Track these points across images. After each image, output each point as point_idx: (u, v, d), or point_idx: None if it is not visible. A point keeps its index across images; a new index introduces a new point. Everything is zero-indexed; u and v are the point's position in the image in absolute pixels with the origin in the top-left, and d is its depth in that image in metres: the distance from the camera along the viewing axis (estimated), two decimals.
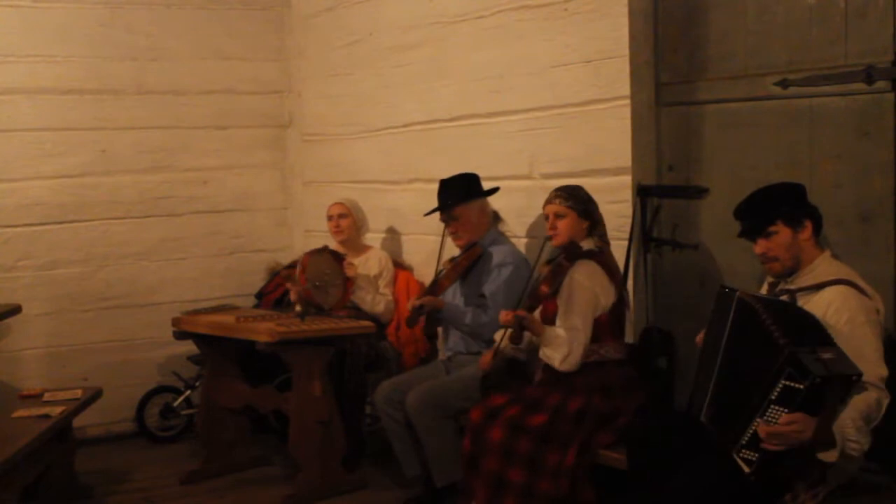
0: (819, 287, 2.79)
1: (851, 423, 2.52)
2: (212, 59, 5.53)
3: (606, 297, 3.41)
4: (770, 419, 2.53)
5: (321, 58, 5.51)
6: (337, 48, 5.36)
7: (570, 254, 3.42)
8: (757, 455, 2.58)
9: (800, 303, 2.81)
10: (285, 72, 5.77)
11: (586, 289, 3.38)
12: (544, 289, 3.35)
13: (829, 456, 2.53)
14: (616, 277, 3.47)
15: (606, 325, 3.42)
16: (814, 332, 2.63)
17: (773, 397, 2.54)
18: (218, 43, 5.54)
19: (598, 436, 3.23)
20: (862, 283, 2.78)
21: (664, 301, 3.80)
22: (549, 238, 3.53)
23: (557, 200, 3.52)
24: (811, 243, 2.87)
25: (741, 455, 2.62)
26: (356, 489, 4.26)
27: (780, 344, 2.53)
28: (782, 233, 2.85)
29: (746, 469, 2.60)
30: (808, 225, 2.86)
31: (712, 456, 2.73)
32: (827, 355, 2.51)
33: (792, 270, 2.88)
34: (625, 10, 3.67)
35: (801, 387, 2.48)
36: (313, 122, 5.66)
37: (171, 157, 5.45)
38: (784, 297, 2.87)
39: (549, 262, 3.48)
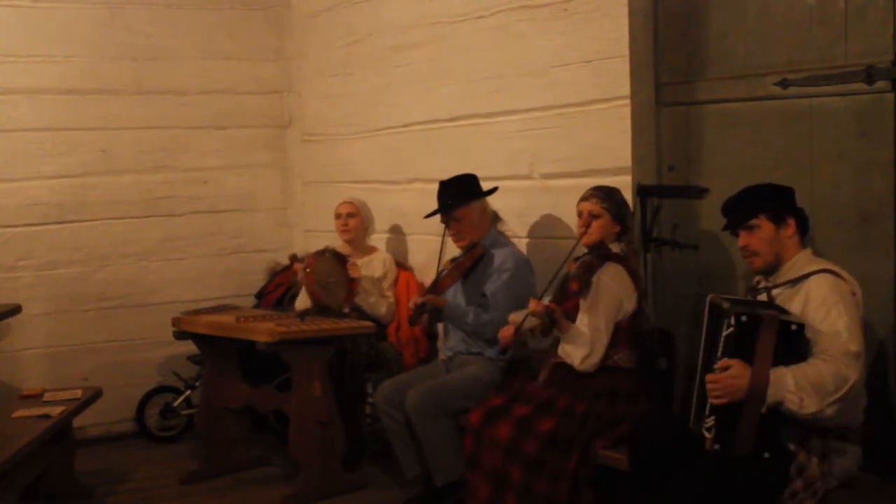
0: (797, 280, 2.80)
1: (793, 378, 2.53)
2: (212, 59, 5.53)
3: (629, 303, 3.39)
4: None
5: (321, 58, 5.51)
6: (337, 48, 5.36)
7: (601, 254, 3.40)
8: (713, 419, 2.60)
9: (779, 300, 2.83)
10: (285, 72, 5.77)
11: (613, 291, 3.36)
12: (574, 286, 3.31)
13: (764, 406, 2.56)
14: (640, 285, 3.45)
15: (625, 332, 3.39)
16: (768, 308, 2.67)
17: (718, 355, 2.60)
18: (218, 43, 5.54)
19: (598, 440, 3.22)
20: (837, 269, 2.79)
21: (664, 301, 3.80)
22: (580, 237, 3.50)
23: (594, 199, 3.48)
24: (794, 241, 2.88)
25: (704, 427, 2.64)
26: (356, 489, 4.26)
27: (724, 307, 2.60)
28: (764, 227, 2.87)
29: (708, 436, 2.62)
30: (792, 223, 2.87)
31: (710, 456, 2.74)
32: (767, 310, 2.57)
33: (773, 266, 2.89)
34: (625, 10, 3.67)
35: (732, 329, 2.53)
36: (313, 122, 5.66)
37: (172, 157, 5.45)
38: (763, 296, 2.88)
39: (576, 259, 3.47)
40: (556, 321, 3.31)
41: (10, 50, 5.01)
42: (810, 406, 2.53)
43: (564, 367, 3.39)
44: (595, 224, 3.47)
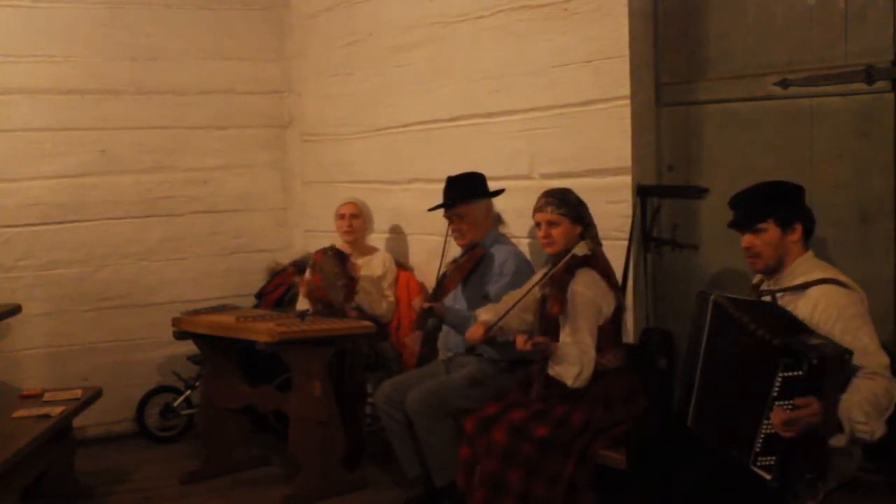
0: (803, 287, 2.78)
1: (857, 406, 2.52)
2: (212, 59, 5.53)
3: (608, 306, 3.37)
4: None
5: (321, 58, 5.51)
6: (337, 48, 5.36)
7: (569, 265, 3.35)
8: (774, 458, 2.56)
9: (781, 303, 2.82)
10: (285, 72, 5.77)
11: (590, 301, 3.32)
12: (555, 309, 3.27)
13: (839, 440, 2.53)
14: (613, 282, 3.43)
15: (608, 334, 3.37)
16: (792, 325, 2.65)
17: (774, 395, 2.52)
18: (218, 43, 5.55)
19: (596, 443, 3.21)
20: (843, 278, 2.78)
21: (664, 301, 3.80)
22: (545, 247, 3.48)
23: (549, 208, 3.42)
24: (798, 246, 2.86)
25: (759, 464, 2.59)
26: (356, 489, 4.26)
27: (767, 339, 2.54)
28: (771, 231, 2.85)
29: (768, 476, 2.57)
30: (799, 228, 2.85)
31: (711, 455, 2.73)
32: (815, 341, 2.53)
33: (774, 269, 2.88)
34: (625, 10, 3.67)
35: (801, 373, 2.47)
36: (313, 122, 5.66)
37: (171, 157, 5.46)
38: (766, 298, 2.87)
39: (545, 274, 3.44)
40: (547, 355, 3.28)
41: (10, 50, 5.02)
42: (878, 431, 2.53)
43: (556, 380, 3.35)
44: (555, 233, 3.42)
